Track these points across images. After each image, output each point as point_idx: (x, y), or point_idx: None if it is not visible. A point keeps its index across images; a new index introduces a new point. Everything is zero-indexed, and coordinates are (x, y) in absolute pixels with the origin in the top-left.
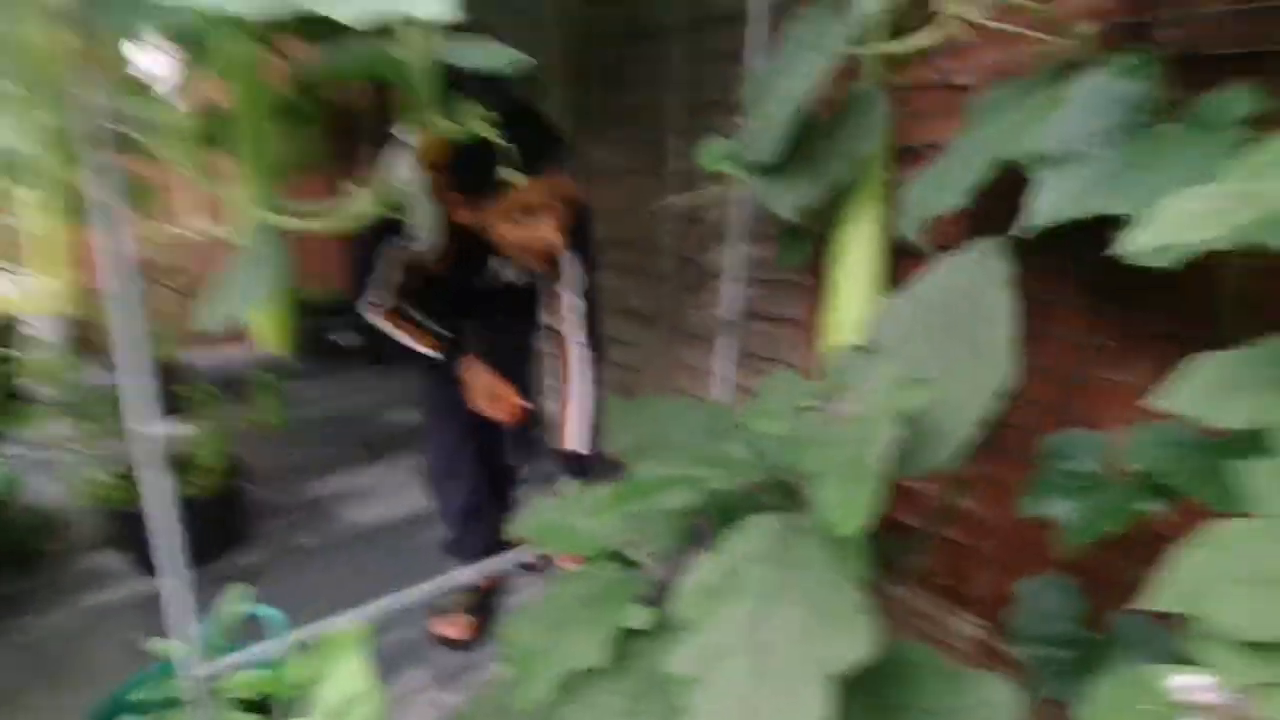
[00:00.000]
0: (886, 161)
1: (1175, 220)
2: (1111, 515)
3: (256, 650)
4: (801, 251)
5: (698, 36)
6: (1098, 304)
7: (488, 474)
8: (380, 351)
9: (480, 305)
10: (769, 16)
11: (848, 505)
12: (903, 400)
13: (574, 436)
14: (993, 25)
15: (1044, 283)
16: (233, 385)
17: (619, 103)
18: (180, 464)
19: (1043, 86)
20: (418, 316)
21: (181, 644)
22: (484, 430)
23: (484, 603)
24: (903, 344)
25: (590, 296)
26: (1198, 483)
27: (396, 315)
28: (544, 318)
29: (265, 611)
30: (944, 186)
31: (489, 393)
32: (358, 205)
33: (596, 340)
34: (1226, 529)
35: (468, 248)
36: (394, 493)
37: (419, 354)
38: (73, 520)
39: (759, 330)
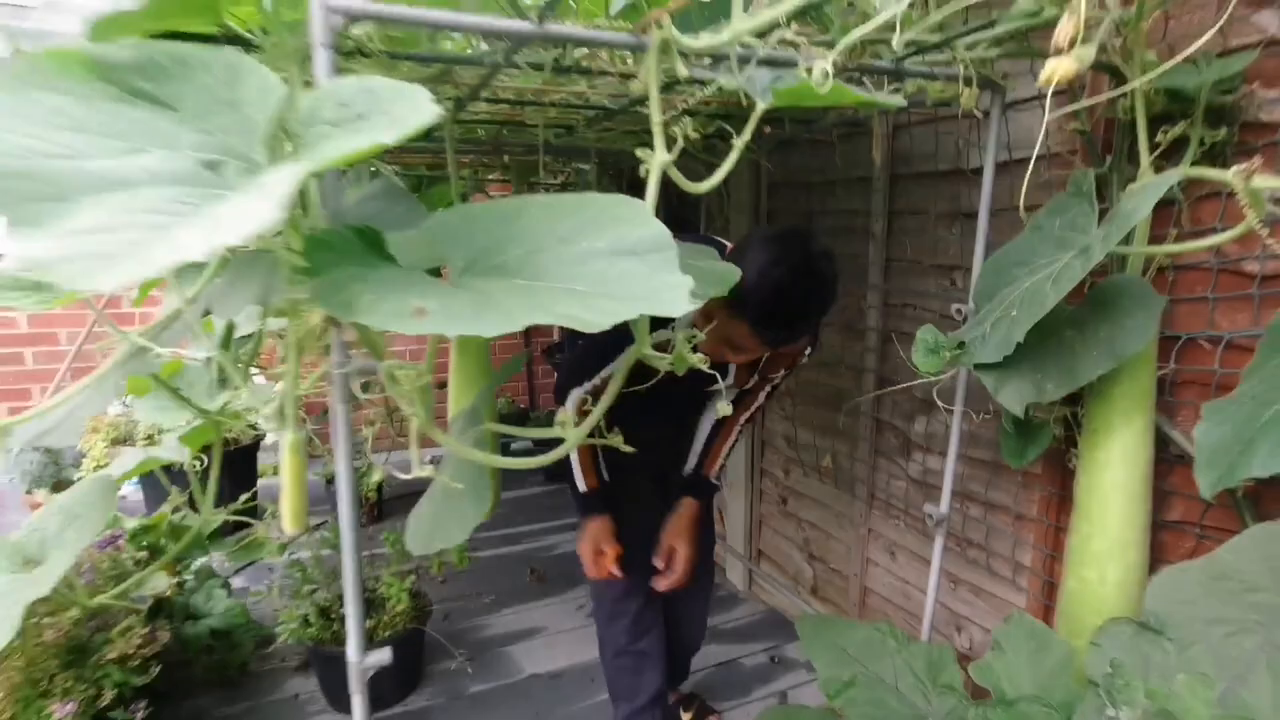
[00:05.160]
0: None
1: None
2: None
3: None
4: (1036, 448)
5: (893, 190)
6: None
7: (660, 626)
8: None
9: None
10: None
11: None
12: None
13: (713, 472)
14: None
15: None
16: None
17: None
18: (372, 603)
19: None
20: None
21: None
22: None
23: None
24: (1203, 629)
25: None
26: None
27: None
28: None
29: None
30: (1257, 435)
31: (593, 548)
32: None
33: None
34: None
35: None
36: (566, 632)
37: (571, 482)
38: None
39: (968, 514)
